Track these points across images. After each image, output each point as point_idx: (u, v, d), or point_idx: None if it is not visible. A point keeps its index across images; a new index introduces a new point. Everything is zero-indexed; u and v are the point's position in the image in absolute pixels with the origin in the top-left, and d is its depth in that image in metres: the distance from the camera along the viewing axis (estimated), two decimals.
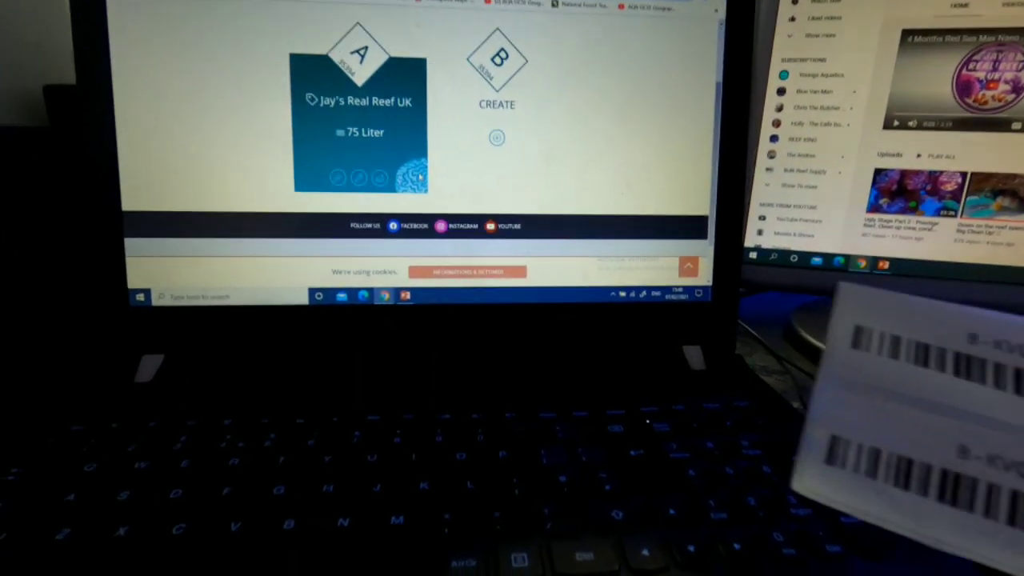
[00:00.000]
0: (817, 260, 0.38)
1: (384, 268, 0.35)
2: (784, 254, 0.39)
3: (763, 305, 0.55)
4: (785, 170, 0.38)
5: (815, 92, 0.36)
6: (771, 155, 0.38)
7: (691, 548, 0.20)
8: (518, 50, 0.34)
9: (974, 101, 0.34)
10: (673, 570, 0.20)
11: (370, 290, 0.35)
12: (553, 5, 0.34)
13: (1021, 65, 0.33)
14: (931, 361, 0.18)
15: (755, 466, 0.25)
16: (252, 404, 0.30)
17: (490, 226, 0.35)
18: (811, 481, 0.18)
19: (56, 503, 0.22)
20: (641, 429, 0.28)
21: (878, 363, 0.18)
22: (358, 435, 0.27)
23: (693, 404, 0.31)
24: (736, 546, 0.20)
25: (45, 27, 0.51)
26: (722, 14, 0.34)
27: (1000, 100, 0.33)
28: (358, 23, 0.33)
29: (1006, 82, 0.33)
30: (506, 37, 0.34)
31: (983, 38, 0.33)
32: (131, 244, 0.33)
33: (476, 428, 0.28)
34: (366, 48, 0.33)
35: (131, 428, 0.27)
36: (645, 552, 0.20)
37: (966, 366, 0.18)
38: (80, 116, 0.32)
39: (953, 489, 0.17)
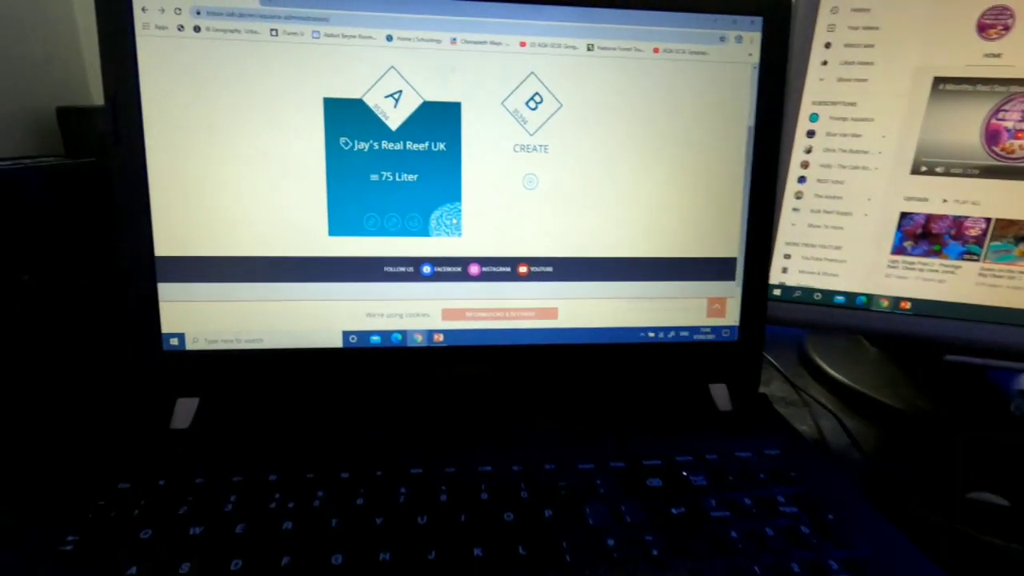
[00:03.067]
0: (840, 299, 0.39)
1: (417, 311, 0.35)
2: (808, 292, 0.39)
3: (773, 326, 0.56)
4: (812, 211, 0.38)
5: (844, 136, 0.36)
6: (798, 196, 0.38)
7: None
8: (552, 94, 0.34)
9: (1001, 150, 0.34)
10: None
11: (403, 332, 0.35)
12: (588, 49, 0.33)
13: None
14: None
15: (794, 525, 0.26)
16: (293, 453, 0.30)
17: (522, 269, 0.35)
18: None
19: None
20: (679, 482, 0.29)
21: None
22: (404, 492, 0.28)
23: (725, 453, 0.32)
24: None
25: (53, 41, 0.50)
26: (756, 58, 0.34)
27: None
28: (392, 67, 0.32)
29: None
30: (541, 81, 0.33)
31: (1014, 88, 0.33)
32: (164, 289, 0.33)
33: (519, 482, 0.28)
34: (400, 92, 0.33)
35: (177, 484, 0.27)
36: None
37: None
38: (111, 163, 0.31)
39: None
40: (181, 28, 0.31)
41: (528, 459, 0.30)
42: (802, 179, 0.38)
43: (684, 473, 0.30)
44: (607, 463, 0.30)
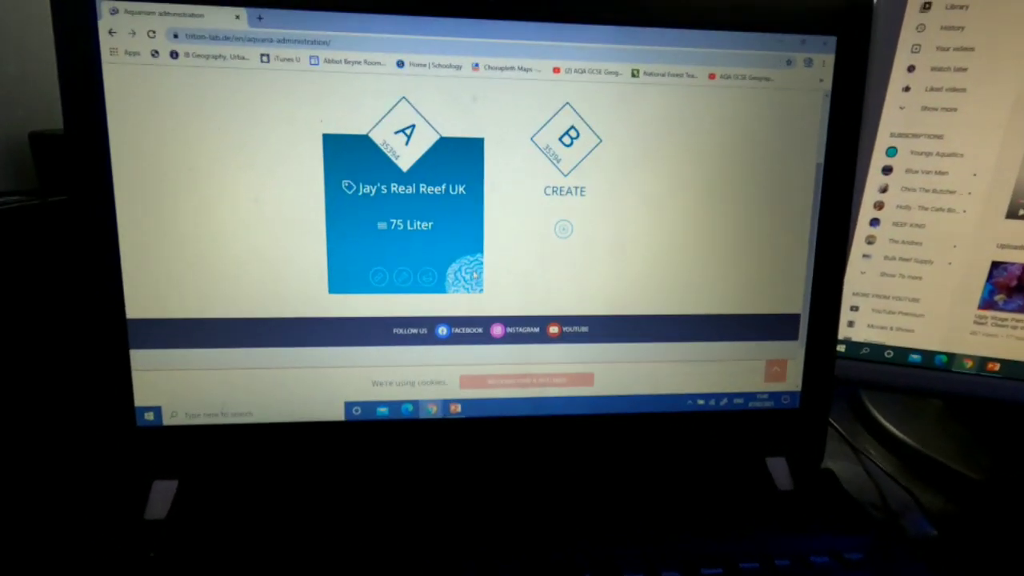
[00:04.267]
0: (916, 357, 0.34)
1: (432, 378, 0.30)
2: (877, 349, 0.34)
3: None
4: (885, 258, 0.33)
5: (927, 173, 0.31)
6: (870, 240, 0.33)
7: None
8: (591, 128, 0.29)
9: None
10: None
11: (415, 403, 0.30)
12: (633, 75, 0.29)
13: None
14: None
15: None
16: (289, 555, 0.25)
17: (553, 329, 0.30)
18: None
19: None
20: None
21: None
22: None
23: (798, 556, 0.27)
24: None
25: (30, 58, 0.45)
26: (828, 84, 0.29)
27: None
28: (404, 97, 0.28)
29: None
30: (577, 113, 0.29)
31: None
32: (138, 356, 0.28)
33: None
34: (413, 127, 0.28)
35: None
36: None
37: None
38: (74, 210, 0.27)
39: None
40: (156, 54, 0.26)
41: (565, 565, 0.25)
42: (875, 222, 0.33)
43: None
44: (659, 572, 0.26)
